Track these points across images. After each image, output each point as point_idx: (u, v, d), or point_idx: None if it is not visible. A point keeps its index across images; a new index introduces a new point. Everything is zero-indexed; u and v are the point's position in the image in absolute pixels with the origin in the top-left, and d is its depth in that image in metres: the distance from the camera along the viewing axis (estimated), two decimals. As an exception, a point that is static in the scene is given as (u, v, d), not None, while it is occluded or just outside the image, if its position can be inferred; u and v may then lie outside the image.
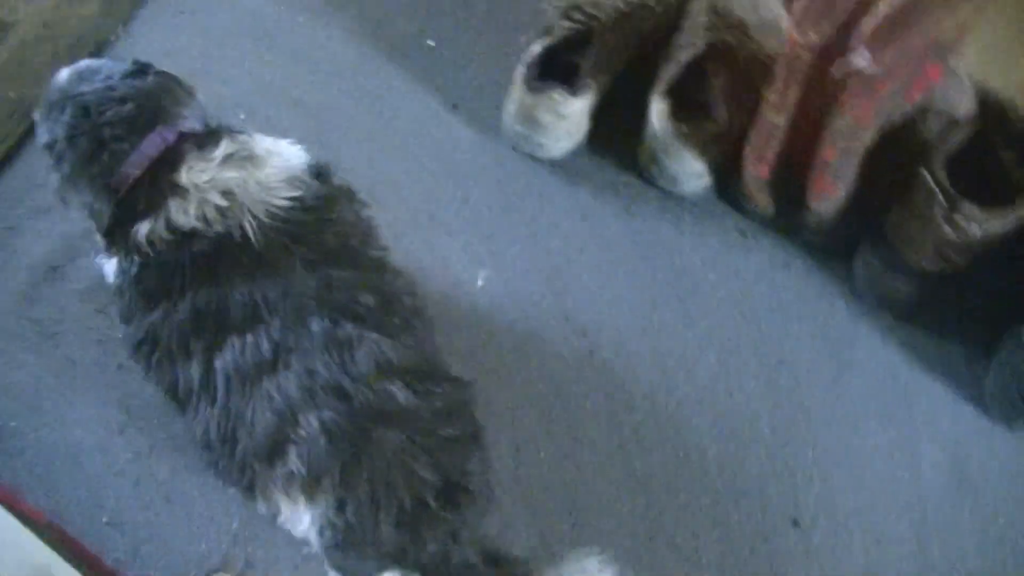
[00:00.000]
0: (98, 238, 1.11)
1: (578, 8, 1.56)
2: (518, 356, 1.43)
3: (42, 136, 1.10)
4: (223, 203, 1.03)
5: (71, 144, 1.05)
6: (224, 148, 1.06)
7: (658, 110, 1.50)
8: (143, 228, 1.03)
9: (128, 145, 1.04)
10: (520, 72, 1.52)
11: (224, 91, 1.61)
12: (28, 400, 1.38)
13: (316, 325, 1.01)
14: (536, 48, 1.54)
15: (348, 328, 1.01)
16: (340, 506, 0.99)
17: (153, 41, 1.68)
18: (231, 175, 1.05)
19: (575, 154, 1.59)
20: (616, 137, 1.60)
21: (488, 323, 1.46)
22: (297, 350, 1.00)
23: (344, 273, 1.05)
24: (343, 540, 1.01)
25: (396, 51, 1.69)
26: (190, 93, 1.12)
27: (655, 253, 1.54)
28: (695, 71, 1.55)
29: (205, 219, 1.02)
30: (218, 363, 1.00)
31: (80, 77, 1.09)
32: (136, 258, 1.04)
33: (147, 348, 1.05)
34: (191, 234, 1.02)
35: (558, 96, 1.50)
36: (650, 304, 1.50)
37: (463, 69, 1.68)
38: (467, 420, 1.09)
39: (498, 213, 1.56)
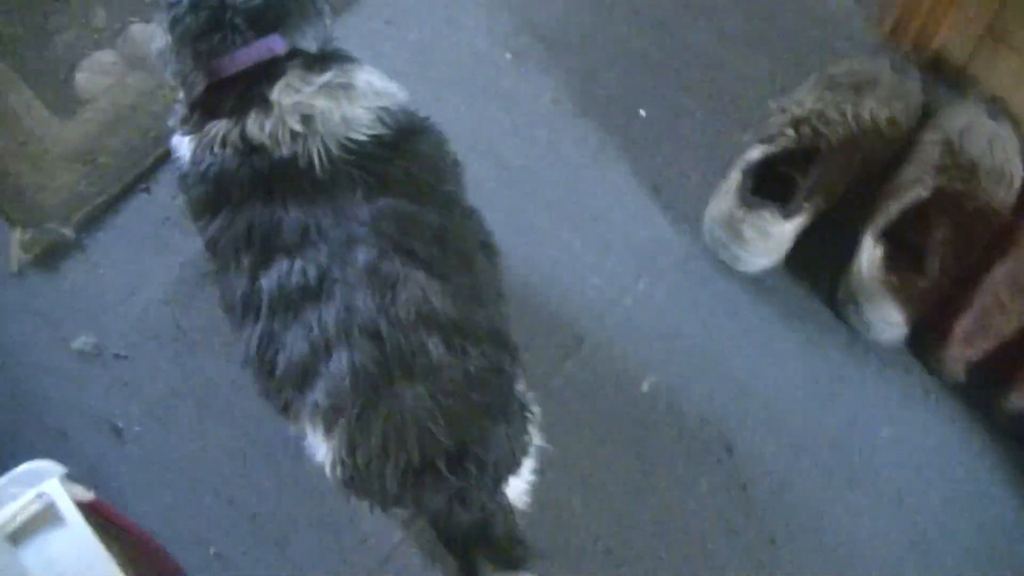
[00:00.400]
0: (179, 108, 1.12)
1: (807, 122, 1.49)
2: (664, 473, 1.39)
3: None
4: (298, 128, 1.04)
5: (192, 12, 1.06)
6: (327, 76, 1.07)
7: (870, 255, 1.42)
8: (220, 126, 1.05)
9: (242, 39, 1.06)
10: (735, 178, 1.46)
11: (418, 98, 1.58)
12: (158, 412, 1.42)
13: (362, 256, 1.00)
14: (755, 154, 1.47)
15: (395, 263, 1.00)
16: (351, 447, 0.99)
17: (352, 48, 1.65)
18: (319, 103, 1.05)
19: (769, 270, 1.52)
20: (816, 261, 1.52)
21: (642, 430, 1.42)
22: (341, 281, 0.99)
23: (402, 204, 1.04)
24: (350, 480, 1.01)
25: (603, 113, 1.64)
26: (320, 11, 1.11)
27: (832, 394, 1.46)
28: (914, 214, 1.46)
29: (276, 139, 1.03)
30: (264, 281, 1.02)
31: None
32: (206, 154, 1.05)
33: (211, 250, 1.08)
34: (259, 148, 1.03)
35: (769, 215, 1.43)
36: (815, 448, 1.43)
37: (672, 148, 1.61)
38: (501, 390, 1.04)
39: (677, 313, 1.51)
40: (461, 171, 1.19)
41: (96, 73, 1.65)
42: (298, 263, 1.01)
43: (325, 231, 1.01)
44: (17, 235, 1.56)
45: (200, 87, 1.07)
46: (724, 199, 1.48)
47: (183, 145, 1.11)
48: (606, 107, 1.64)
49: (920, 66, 1.61)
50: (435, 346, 0.99)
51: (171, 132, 1.15)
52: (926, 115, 1.57)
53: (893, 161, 1.53)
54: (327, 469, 1.03)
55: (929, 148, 1.51)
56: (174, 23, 1.08)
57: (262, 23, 1.07)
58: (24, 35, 1.68)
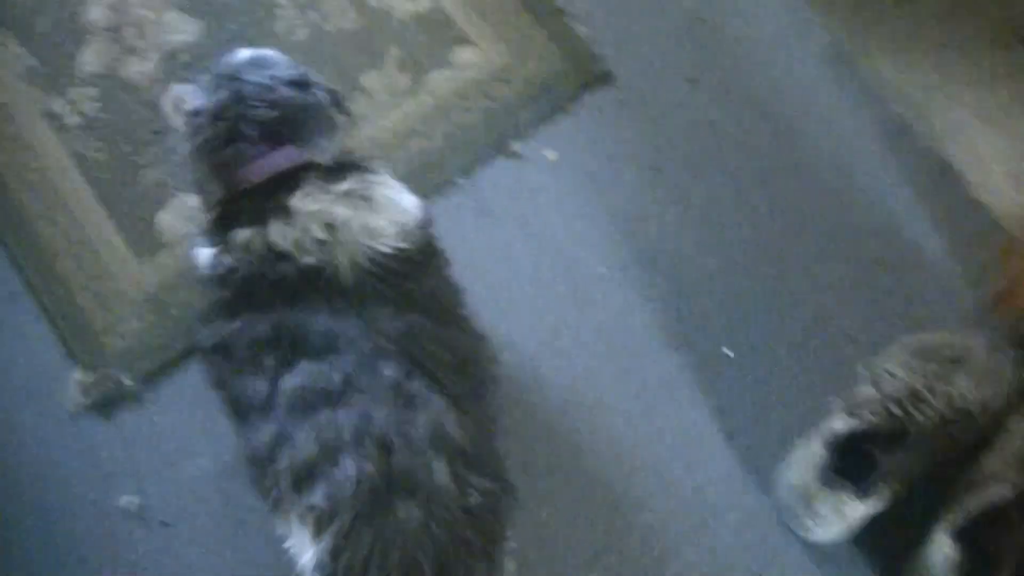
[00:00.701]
0: (200, 221, 1.15)
1: (899, 401, 1.45)
2: None
3: (195, 100, 1.13)
4: (322, 236, 1.05)
5: (212, 124, 1.09)
6: (345, 185, 1.09)
7: (945, 557, 1.38)
8: (242, 235, 1.07)
9: (255, 151, 1.09)
10: (816, 451, 1.43)
11: (500, 295, 1.58)
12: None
13: (389, 371, 1.02)
14: (840, 426, 1.44)
15: (418, 384, 1.02)
16: (336, 552, 0.98)
17: (483, 199, 1.65)
18: (340, 211, 1.07)
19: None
20: (884, 539, 1.48)
21: None
22: (365, 391, 1.01)
23: (429, 324, 1.06)
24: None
25: (689, 345, 1.60)
26: (334, 125, 1.14)
27: None
28: (994, 511, 1.42)
29: (301, 247, 1.05)
30: (285, 384, 1.02)
31: (253, 63, 1.13)
32: (229, 260, 1.07)
33: (219, 356, 1.08)
34: (284, 256, 1.05)
35: (846, 497, 1.40)
36: None
37: (754, 395, 1.58)
38: (494, 531, 1.06)
39: (732, 563, 1.46)
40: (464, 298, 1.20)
41: (179, 217, 1.63)
42: (324, 367, 1.02)
43: (353, 340, 1.02)
44: (78, 375, 1.54)
45: (216, 196, 1.10)
46: (802, 468, 1.44)
47: (203, 253, 1.12)
48: (693, 339, 1.60)
49: (1017, 344, 1.56)
50: (440, 472, 1.00)
51: (193, 240, 1.17)
52: (1019, 398, 1.52)
53: (977, 446, 1.48)
54: (307, 572, 1.02)
55: (1017, 439, 1.47)
56: (195, 131, 1.11)
57: (276, 135, 1.10)
58: (113, 163, 1.67)
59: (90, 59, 1.72)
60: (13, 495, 1.49)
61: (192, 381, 1.55)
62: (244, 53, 1.16)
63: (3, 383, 1.53)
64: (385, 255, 1.07)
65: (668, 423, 1.56)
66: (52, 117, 1.69)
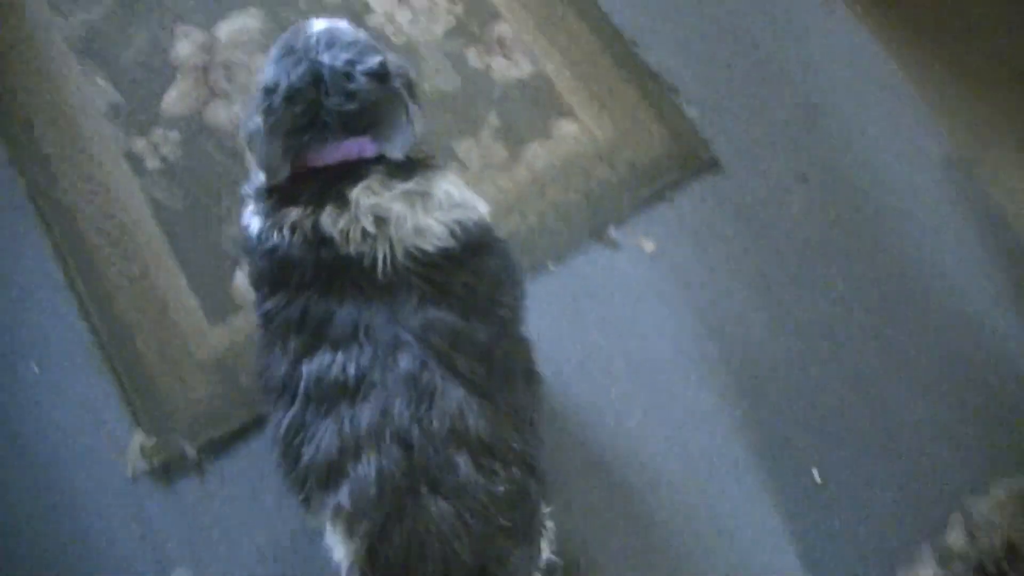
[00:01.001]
0: (252, 191, 1.15)
1: (995, 557, 1.36)
2: None
3: (267, 74, 1.10)
4: (371, 229, 1.06)
5: (288, 104, 1.07)
6: (408, 184, 1.09)
7: None
8: (294, 213, 1.07)
9: (332, 138, 1.07)
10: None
11: (574, 380, 1.51)
12: None
13: (404, 362, 1.02)
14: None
15: (436, 375, 1.02)
16: (371, 554, 0.99)
17: (573, 287, 1.57)
18: (395, 208, 1.07)
19: None
20: None
21: None
22: (380, 385, 1.01)
23: (453, 317, 1.05)
24: None
25: (775, 461, 1.51)
26: (411, 121, 1.12)
27: None
28: None
29: (347, 236, 1.05)
30: (304, 368, 1.03)
31: (330, 40, 1.09)
32: (275, 236, 1.07)
33: (264, 322, 1.10)
34: (327, 241, 1.05)
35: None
36: None
37: (840, 523, 1.48)
38: (525, 514, 1.06)
39: None
40: (522, 296, 1.20)
41: (257, 279, 1.55)
42: (340, 357, 1.02)
43: (374, 332, 1.03)
44: (140, 438, 1.49)
45: (284, 175, 1.09)
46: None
47: (254, 222, 1.12)
48: (780, 454, 1.52)
49: None
50: (464, 463, 1.00)
51: (247, 203, 1.16)
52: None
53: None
54: (344, 571, 1.03)
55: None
56: (268, 112, 1.08)
57: (354, 126, 1.08)
58: (191, 214, 1.60)
59: (175, 100, 1.66)
60: (65, 558, 1.44)
61: (255, 455, 1.49)
62: (319, 25, 1.12)
63: (63, 441, 1.48)
64: (425, 252, 1.07)
65: (742, 541, 1.47)
66: (132, 159, 1.64)
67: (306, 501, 1.05)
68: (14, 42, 1.68)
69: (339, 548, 1.04)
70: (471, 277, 1.10)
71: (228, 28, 1.70)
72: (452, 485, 0.99)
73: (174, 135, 1.65)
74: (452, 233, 1.09)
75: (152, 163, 1.63)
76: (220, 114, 1.65)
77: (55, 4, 1.73)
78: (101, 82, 1.69)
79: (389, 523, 0.98)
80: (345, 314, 1.04)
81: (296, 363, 1.05)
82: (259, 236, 1.11)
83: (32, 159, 1.60)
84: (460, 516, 0.98)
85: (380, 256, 1.05)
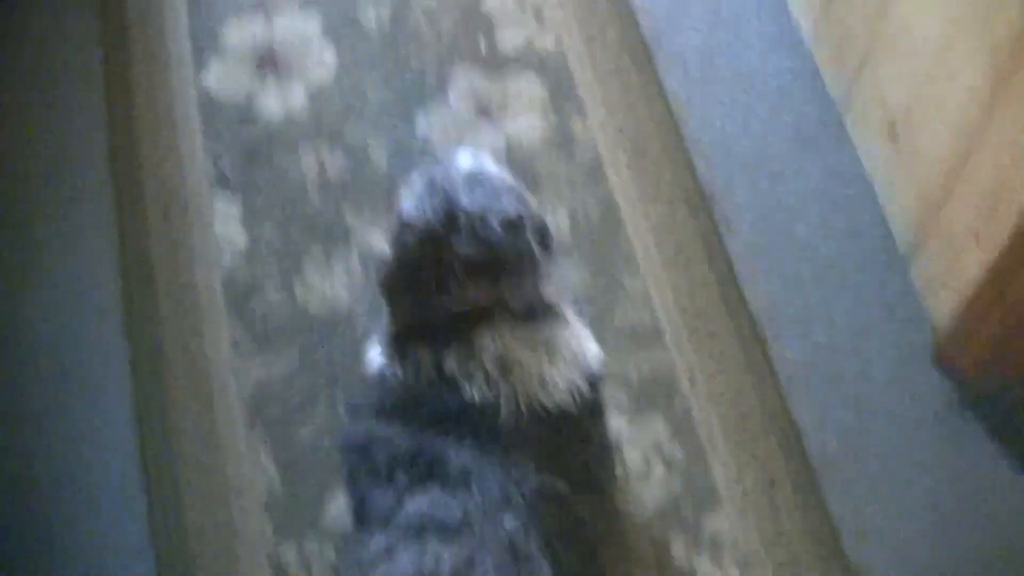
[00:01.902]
0: (381, 328, 1.18)
1: None
2: None
3: (406, 201, 1.13)
4: (495, 376, 1.07)
5: (419, 243, 1.09)
6: (533, 331, 1.11)
7: None
8: (419, 353, 1.09)
9: (457, 283, 1.08)
10: None
11: None
12: None
13: (509, 523, 1.02)
14: None
15: (533, 547, 1.01)
16: None
17: None
18: (521, 356, 1.09)
19: None
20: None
21: None
22: (478, 535, 1.00)
23: (566, 490, 1.06)
24: None
25: None
26: (537, 271, 1.13)
27: None
28: None
29: (471, 381, 1.07)
30: (409, 504, 1.04)
31: (471, 180, 1.12)
32: (398, 370, 1.10)
33: (357, 455, 1.12)
34: (451, 384, 1.07)
35: None
36: None
37: None
38: None
39: None
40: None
41: None
42: (448, 499, 1.03)
43: (485, 484, 1.03)
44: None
45: (406, 315, 1.12)
46: None
47: (376, 359, 1.16)
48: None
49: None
50: None
51: (371, 338, 1.21)
52: None
53: None
54: None
55: None
56: (399, 244, 1.11)
57: (480, 273, 1.09)
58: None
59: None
60: None
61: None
62: (464, 160, 1.16)
63: None
64: (548, 410, 1.08)
65: None
66: (278, 567, 1.44)
67: None
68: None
69: None
70: (586, 449, 1.14)
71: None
72: None
73: (331, 553, 1.47)
74: (572, 392, 1.11)
75: (300, 579, 1.44)
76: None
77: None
78: (269, 463, 1.51)
79: None
80: (460, 458, 1.05)
81: (402, 497, 1.05)
82: (380, 372, 1.13)
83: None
84: None
85: (504, 406, 1.06)
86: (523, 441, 1.07)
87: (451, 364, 1.09)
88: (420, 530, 1.03)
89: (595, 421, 1.19)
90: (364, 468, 1.11)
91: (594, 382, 1.18)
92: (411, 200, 1.14)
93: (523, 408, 1.08)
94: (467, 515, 1.03)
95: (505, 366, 1.09)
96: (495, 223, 1.10)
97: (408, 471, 1.07)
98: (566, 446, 1.11)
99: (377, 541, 1.05)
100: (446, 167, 1.16)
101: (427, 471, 1.06)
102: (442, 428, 1.08)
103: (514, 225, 1.11)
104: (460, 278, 1.09)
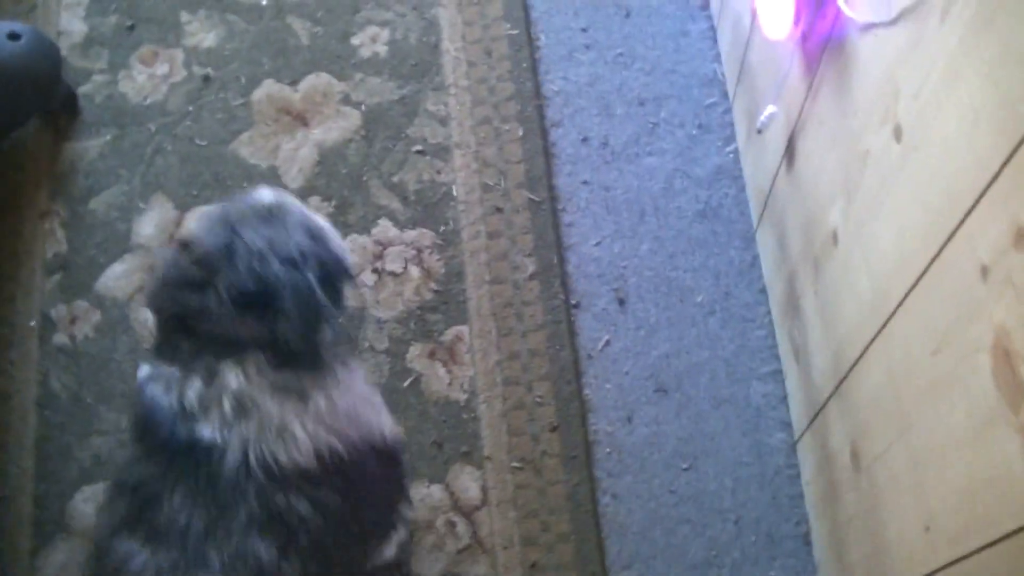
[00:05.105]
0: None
1: None
2: None
3: (194, 232, 1.11)
4: (229, 417, 1.03)
5: (189, 267, 1.08)
6: (289, 377, 1.06)
7: None
8: (170, 372, 1.06)
9: (219, 310, 1.05)
10: None
11: None
12: None
13: None
14: None
15: None
16: None
17: None
18: (264, 401, 1.04)
19: None
20: None
21: None
22: None
23: (269, 557, 1.01)
24: None
25: None
26: (316, 316, 1.08)
27: None
28: None
29: (204, 416, 1.03)
30: (116, 544, 1.01)
31: (262, 216, 1.10)
32: (150, 388, 1.07)
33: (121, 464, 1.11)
34: (187, 415, 1.03)
35: None
36: None
37: None
38: None
39: None
40: (376, 544, 1.17)
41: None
42: (144, 556, 1.00)
43: (187, 539, 0.99)
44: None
45: (167, 330, 1.09)
46: None
47: (143, 369, 1.11)
48: None
49: None
50: None
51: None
52: None
53: None
54: None
55: None
56: (175, 265, 1.09)
57: (246, 305, 1.05)
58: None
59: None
60: None
61: None
62: (263, 196, 1.14)
63: None
64: (280, 465, 1.03)
65: None
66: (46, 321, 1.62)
67: None
68: None
69: None
70: (313, 510, 1.05)
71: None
72: None
73: (95, 315, 1.64)
74: (318, 454, 1.05)
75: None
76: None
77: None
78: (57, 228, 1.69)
79: None
80: (171, 506, 1.01)
81: (114, 534, 1.03)
82: (141, 383, 1.10)
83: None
84: None
85: (229, 455, 1.02)
86: (242, 497, 1.02)
87: (191, 394, 1.04)
88: None
89: (346, 489, 1.10)
90: (114, 480, 1.10)
91: (358, 451, 1.11)
92: (199, 225, 1.13)
93: (252, 462, 1.02)
94: (159, 574, 1.00)
95: (242, 407, 1.04)
96: (273, 259, 1.07)
97: (127, 505, 1.04)
98: (291, 509, 1.04)
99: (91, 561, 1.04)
100: (243, 200, 1.14)
101: (141, 512, 1.03)
102: (168, 462, 1.04)
103: (294, 263, 1.08)
104: (224, 305, 1.06)
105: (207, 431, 1.03)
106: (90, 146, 1.77)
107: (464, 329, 1.59)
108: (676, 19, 1.81)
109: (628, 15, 1.82)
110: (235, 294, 1.06)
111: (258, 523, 1.01)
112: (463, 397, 1.55)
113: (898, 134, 1.01)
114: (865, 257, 1.13)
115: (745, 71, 1.60)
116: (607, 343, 1.60)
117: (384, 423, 1.17)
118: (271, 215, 1.11)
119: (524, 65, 1.76)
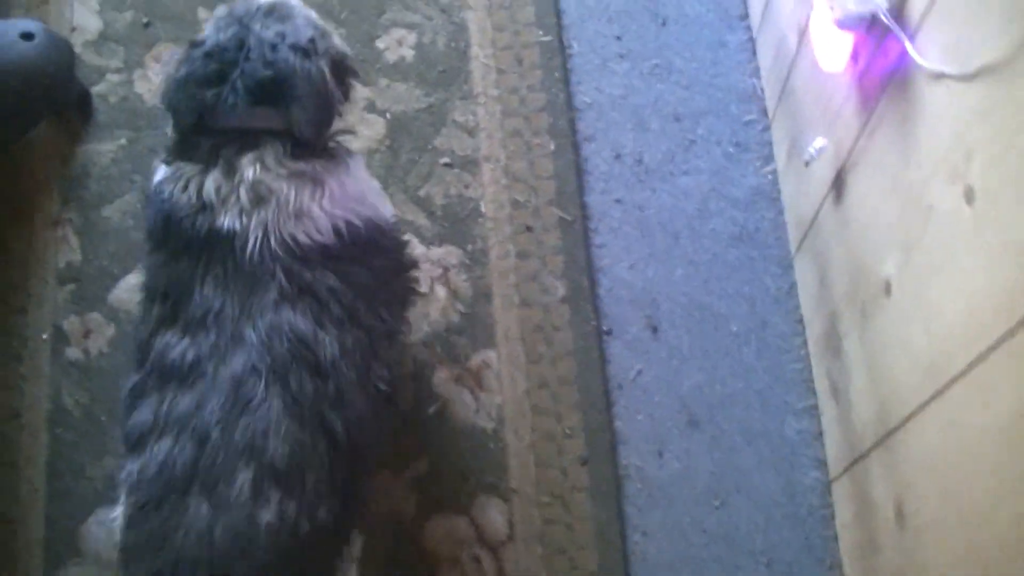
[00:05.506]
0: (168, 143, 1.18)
1: None
2: None
3: (206, 32, 1.16)
4: (247, 206, 1.08)
5: (205, 59, 1.12)
6: (301, 165, 1.11)
7: None
8: (187, 169, 1.10)
9: (234, 100, 1.10)
10: None
11: None
12: None
13: (237, 362, 1.04)
14: None
15: (260, 385, 1.04)
16: (128, 525, 1.04)
17: None
18: (280, 188, 1.09)
19: None
20: None
21: None
22: (208, 377, 1.04)
23: (305, 326, 1.07)
24: (121, 551, 1.06)
25: None
26: (326, 104, 1.14)
27: None
28: None
29: (226, 206, 1.08)
30: (156, 341, 1.07)
31: (270, 12, 1.15)
32: (167, 188, 1.11)
33: (145, 277, 1.14)
34: (207, 207, 1.08)
35: None
36: None
37: None
38: (288, 555, 1.02)
39: None
40: (402, 311, 1.26)
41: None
42: (186, 342, 1.06)
43: (223, 322, 1.05)
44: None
45: (185, 126, 1.13)
46: None
47: (159, 171, 1.15)
48: None
49: None
50: (244, 481, 1.01)
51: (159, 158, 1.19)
52: None
53: None
54: (117, 535, 1.07)
55: None
56: (188, 61, 1.13)
57: (265, 95, 1.11)
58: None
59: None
60: None
61: None
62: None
63: None
64: (300, 244, 1.08)
65: None
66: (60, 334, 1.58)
67: (123, 454, 1.09)
68: None
69: (117, 509, 1.08)
70: (340, 282, 1.11)
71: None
72: (223, 496, 1.00)
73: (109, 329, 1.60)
74: (336, 230, 1.11)
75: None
76: None
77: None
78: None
79: (149, 506, 1.02)
80: (203, 295, 1.07)
81: (153, 333, 1.08)
82: (155, 188, 1.13)
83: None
84: (211, 528, 0.99)
85: (251, 238, 1.07)
86: (269, 277, 1.07)
87: (210, 186, 1.09)
88: (162, 373, 1.06)
89: (366, 261, 1.17)
90: (143, 295, 1.14)
91: (372, 227, 1.18)
92: (209, 27, 1.17)
93: (273, 243, 1.08)
94: (199, 357, 1.05)
95: (260, 196, 1.09)
96: (285, 48, 1.12)
97: (161, 306, 1.09)
98: (317, 283, 1.10)
99: (133, 378, 1.09)
100: (248, 2, 1.18)
101: (175, 308, 1.08)
102: (194, 258, 1.09)
103: (305, 51, 1.13)
104: (240, 96, 1.11)
105: (227, 221, 1.07)
106: (104, 149, 1.70)
107: (492, 354, 1.54)
108: (714, 29, 1.74)
109: (664, 23, 1.75)
110: (250, 84, 1.10)
111: (289, 298, 1.07)
112: (490, 426, 1.51)
113: (970, 197, 0.96)
114: (923, 316, 1.09)
115: (788, 93, 1.55)
116: (639, 372, 1.56)
117: (388, 209, 1.24)
118: (278, 12, 1.15)
119: (556, 75, 1.69)
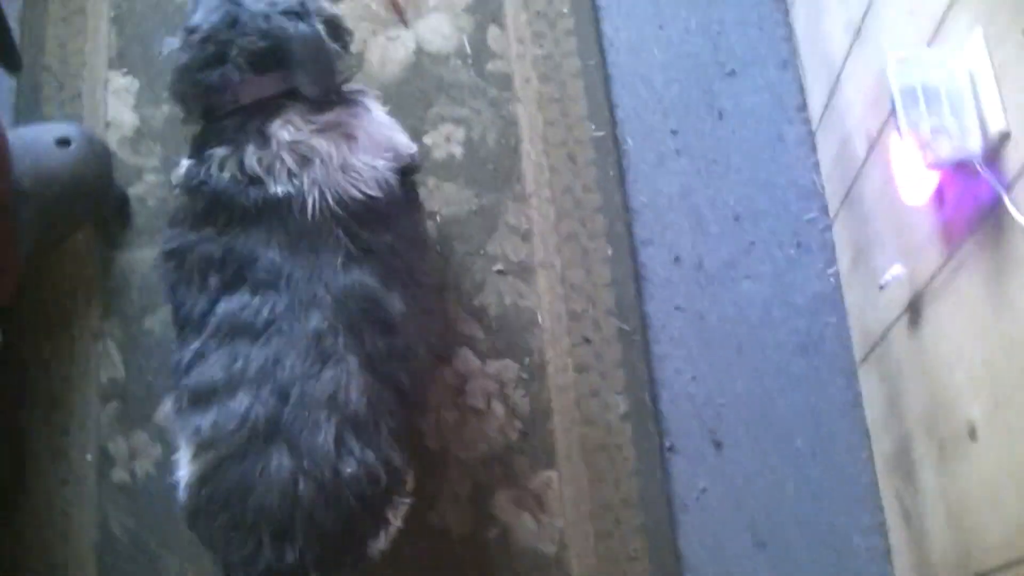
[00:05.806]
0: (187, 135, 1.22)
1: None
2: None
3: (193, 16, 1.18)
4: (295, 168, 1.13)
5: (202, 44, 1.15)
6: (329, 117, 1.16)
7: None
8: (219, 152, 1.14)
9: (240, 76, 1.14)
10: None
11: None
12: None
13: (314, 321, 1.09)
14: None
15: (338, 342, 1.09)
16: (202, 481, 1.07)
17: None
18: (319, 144, 1.14)
19: None
20: None
21: None
22: (285, 334, 1.08)
23: (374, 285, 1.13)
24: (191, 511, 1.10)
25: None
26: (327, 60, 1.18)
27: None
28: None
29: (273, 175, 1.13)
30: (221, 306, 1.11)
31: None
32: (204, 172, 1.14)
33: (174, 261, 1.16)
34: (256, 180, 1.12)
35: None
36: None
37: None
38: (368, 504, 1.09)
39: None
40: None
41: None
42: (258, 301, 1.10)
43: (295, 283, 1.10)
44: None
45: (196, 113, 1.18)
46: None
47: (183, 164, 1.20)
48: None
49: None
50: (327, 433, 1.05)
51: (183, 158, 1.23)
52: None
53: None
54: (180, 489, 1.10)
55: None
56: (187, 48, 1.17)
57: (267, 63, 1.15)
58: None
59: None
60: None
61: None
62: None
63: None
64: (355, 200, 1.13)
65: None
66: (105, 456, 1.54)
67: (176, 415, 1.12)
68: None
69: (183, 467, 1.11)
70: (394, 238, 1.17)
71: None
72: (306, 447, 1.04)
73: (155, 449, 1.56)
74: (377, 182, 1.16)
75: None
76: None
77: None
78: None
79: (228, 461, 1.05)
80: (270, 258, 1.11)
81: (215, 300, 1.11)
82: (187, 175, 1.17)
83: None
84: (295, 479, 1.04)
85: (309, 199, 1.12)
86: (333, 238, 1.13)
87: (251, 159, 1.13)
88: (230, 333, 1.10)
89: (406, 209, 1.25)
90: (178, 276, 1.16)
91: (406, 170, 1.25)
92: (199, 12, 1.18)
93: (330, 201, 1.13)
94: (274, 315, 1.09)
95: (303, 156, 1.13)
96: (278, 16, 1.15)
97: (220, 275, 1.12)
98: (376, 241, 1.15)
99: (192, 346, 1.12)
100: None
101: (237, 274, 1.12)
102: (250, 227, 1.13)
103: (297, 13, 1.16)
104: (243, 71, 1.15)
105: (279, 187, 1.12)
106: (144, 256, 1.66)
107: (553, 475, 1.51)
108: (772, 122, 1.70)
109: (721, 116, 1.71)
110: (252, 58, 1.14)
111: (354, 257, 1.12)
112: (552, 550, 1.48)
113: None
114: (1014, 473, 1.06)
115: (854, 199, 1.51)
116: (703, 491, 1.53)
117: (407, 142, 1.28)
118: None
119: (611, 173, 1.65)
